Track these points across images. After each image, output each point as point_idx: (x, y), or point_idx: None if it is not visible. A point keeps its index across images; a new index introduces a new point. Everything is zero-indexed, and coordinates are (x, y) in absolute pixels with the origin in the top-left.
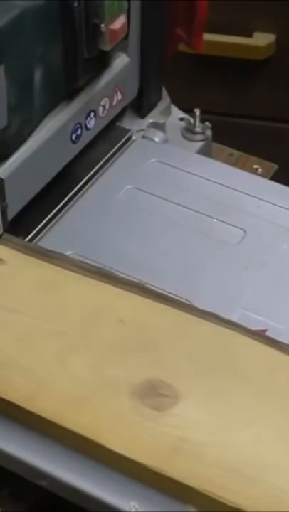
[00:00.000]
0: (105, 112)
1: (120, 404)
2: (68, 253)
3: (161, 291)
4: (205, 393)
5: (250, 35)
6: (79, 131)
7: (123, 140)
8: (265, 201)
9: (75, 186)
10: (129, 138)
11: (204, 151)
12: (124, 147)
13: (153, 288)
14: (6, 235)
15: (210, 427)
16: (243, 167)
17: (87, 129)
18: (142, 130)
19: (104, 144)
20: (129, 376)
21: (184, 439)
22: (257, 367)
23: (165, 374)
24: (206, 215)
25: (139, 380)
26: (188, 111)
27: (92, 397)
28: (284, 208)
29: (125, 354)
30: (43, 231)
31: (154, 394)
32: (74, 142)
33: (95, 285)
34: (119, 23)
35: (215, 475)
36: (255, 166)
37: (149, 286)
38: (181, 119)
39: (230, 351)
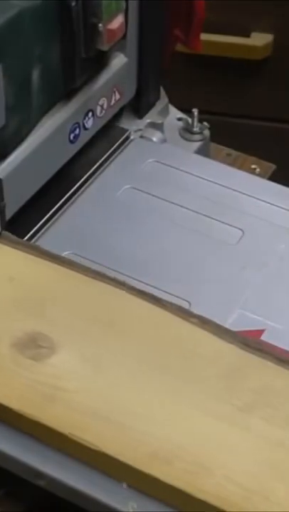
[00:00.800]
0: (103, 111)
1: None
2: (66, 253)
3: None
4: (83, 345)
5: (247, 36)
6: (77, 131)
7: (121, 140)
8: (264, 201)
9: (73, 186)
10: (127, 138)
11: (202, 151)
12: (122, 147)
13: (47, 250)
14: (5, 234)
15: (83, 376)
16: (241, 167)
17: (85, 128)
18: (140, 130)
19: (102, 143)
20: (12, 329)
21: (57, 387)
22: (137, 322)
23: (46, 327)
24: (204, 215)
25: (20, 332)
26: (187, 111)
27: None
28: (282, 208)
29: (11, 309)
30: (41, 231)
31: (34, 346)
32: (72, 142)
33: None
34: (117, 22)
35: (82, 420)
36: (253, 166)
37: (146, 286)
38: (179, 119)
39: (113, 308)
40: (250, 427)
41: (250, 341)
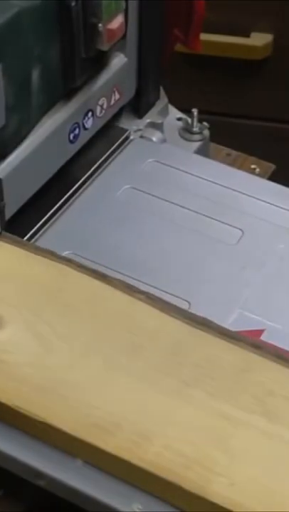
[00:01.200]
0: (103, 111)
1: None
2: (66, 253)
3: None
4: (30, 321)
5: (247, 36)
6: (77, 131)
7: (121, 140)
8: (263, 201)
9: (73, 186)
10: (127, 138)
11: (202, 151)
12: (122, 147)
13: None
14: (4, 234)
15: (30, 350)
16: (241, 167)
17: (85, 128)
18: (140, 130)
19: (102, 143)
20: None
21: (2, 360)
22: (84, 299)
23: None
24: (204, 215)
25: None
26: (187, 111)
27: None
28: (282, 208)
29: None
30: (41, 231)
31: None
32: (72, 142)
33: None
34: (117, 22)
35: (26, 392)
36: (253, 166)
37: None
38: (179, 119)
39: (61, 284)
40: (194, 399)
41: (195, 316)
